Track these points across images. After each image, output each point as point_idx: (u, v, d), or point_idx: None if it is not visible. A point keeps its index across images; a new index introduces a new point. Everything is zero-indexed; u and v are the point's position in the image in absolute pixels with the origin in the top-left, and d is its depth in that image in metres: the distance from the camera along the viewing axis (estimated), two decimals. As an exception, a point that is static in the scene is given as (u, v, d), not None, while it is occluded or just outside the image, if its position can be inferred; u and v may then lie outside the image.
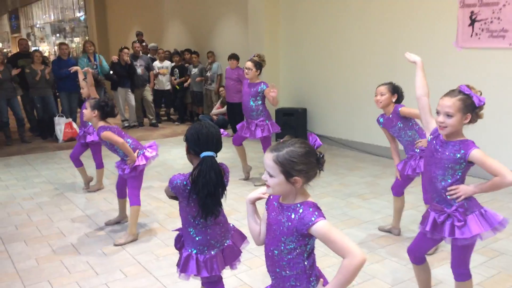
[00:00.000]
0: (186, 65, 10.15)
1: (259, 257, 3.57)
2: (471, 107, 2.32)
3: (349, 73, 7.18)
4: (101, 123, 3.97)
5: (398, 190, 3.89)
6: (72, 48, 18.55)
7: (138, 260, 3.62)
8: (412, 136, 3.63)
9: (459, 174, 2.39)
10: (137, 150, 3.97)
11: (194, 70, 9.78)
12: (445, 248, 3.65)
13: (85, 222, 4.47)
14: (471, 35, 5.51)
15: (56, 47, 16.81)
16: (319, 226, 1.65)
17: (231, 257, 2.46)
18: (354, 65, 7.08)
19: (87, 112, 3.98)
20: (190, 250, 2.38)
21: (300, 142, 1.70)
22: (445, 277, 3.13)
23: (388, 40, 6.50)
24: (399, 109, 3.60)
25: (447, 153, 2.37)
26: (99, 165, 5.36)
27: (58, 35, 21.61)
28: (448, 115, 2.31)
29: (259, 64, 5.35)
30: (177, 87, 9.95)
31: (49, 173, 6.27)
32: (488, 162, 2.29)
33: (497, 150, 5.35)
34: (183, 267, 2.38)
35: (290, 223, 1.71)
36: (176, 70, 10.06)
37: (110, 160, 6.78)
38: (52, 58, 15.09)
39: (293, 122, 7.68)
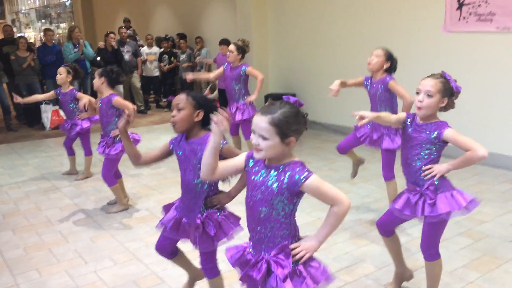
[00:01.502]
0: (175, 51, 10.05)
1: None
2: (449, 92, 2.44)
3: (338, 58, 7.16)
4: (111, 91, 4.18)
5: (344, 149, 4.07)
6: (58, 34, 18.27)
7: (128, 248, 3.62)
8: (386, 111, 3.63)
9: (434, 154, 2.46)
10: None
11: (182, 56, 9.70)
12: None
13: (74, 210, 4.44)
14: (459, 19, 5.51)
15: (41, 33, 16.53)
16: (311, 181, 1.71)
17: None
18: (343, 50, 7.06)
19: (96, 80, 4.17)
20: (218, 214, 2.37)
21: (288, 103, 1.75)
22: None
23: (377, 24, 6.48)
24: (389, 81, 3.59)
25: (422, 135, 2.45)
26: (88, 152, 5.33)
27: (43, 20, 21.23)
28: (428, 95, 2.41)
29: (241, 49, 5.32)
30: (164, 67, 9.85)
31: (36, 161, 6.21)
32: (460, 139, 2.36)
33: (484, 133, 5.40)
34: (221, 231, 2.35)
35: (280, 184, 1.74)
36: (165, 56, 9.96)
37: (93, 148, 6.73)
38: (38, 44, 14.84)
39: (282, 107, 7.66)
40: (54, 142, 7.27)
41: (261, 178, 1.79)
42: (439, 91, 2.40)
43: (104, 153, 4.18)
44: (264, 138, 1.71)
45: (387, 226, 2.76)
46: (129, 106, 4.08)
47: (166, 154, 2.45)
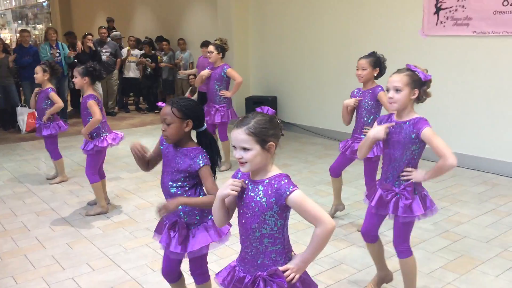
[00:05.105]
0: (157, 53, 9.97)
1: (229, 247, 3.56)
2: (418, 83, 2.46)
3: (319, 61, 7.20)
4: (91, 91, 4.19)
5: (336, 171, 3.99)
6: (34, 35, 17.93)
7: (106, 253, 3.56)
8: (371, 123, 3.64)
9: (416, 154, 2.50)
10: (101, 132, 4.23)
11: (164, 58, 9.67)
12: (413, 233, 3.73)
13: (50, 215, 4.35)
14: (436, 23, 5.61)
15: (18, 34, 16.20)
16: (295, 196, 1.73)
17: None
18: (323, 53, 7.11)
19: (78, 80, 4.17)
20: (207, 220, 2.38)
21: (259, 113, 1.82)
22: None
23: (356, 28, 6.54)
24: (379, 92, 3.60)
25: (403, 135, 2.48)
26: (57, 156, 5.24)
27: (20, 21, 20.83)
28: (397, 90, 2.45)
29: (220, 47, 5.37)
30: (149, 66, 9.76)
31: (11, 165, 6.07)
32: (435, 142, 2.39)
33: (460, 135, 5.50)
34: (194, 241, 2.33)
35: (267, 198, 1.76)
36: (148, 60, 9.89)
37: (76, 151, 6.62)
38: (14, 45, 14.51)
39: (263, 110, 7.66)
40: (29, 146, 7.12)
41: (249, 194, 1.81)
42: (407, 84, 2.43)
43: (82, 149, 4.23)
44: (246, 149, 1.74)
45: (371, 231, 2.78)
46: (96, 115, 4.07)
47: (161, 153, 2.48)
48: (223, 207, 1.88)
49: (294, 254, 1.89)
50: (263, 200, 1.77)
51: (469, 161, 5.42)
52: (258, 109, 1.85)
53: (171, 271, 2.51)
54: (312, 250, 1.77)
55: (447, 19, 5.51)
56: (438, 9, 5.57)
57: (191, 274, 2.52)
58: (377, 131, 2.51)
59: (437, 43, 5.64)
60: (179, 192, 2.32)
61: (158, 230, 2.51)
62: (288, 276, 1.78)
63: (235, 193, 1.79)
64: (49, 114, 4.99)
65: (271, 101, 7.80)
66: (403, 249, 2.63)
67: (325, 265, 3.29)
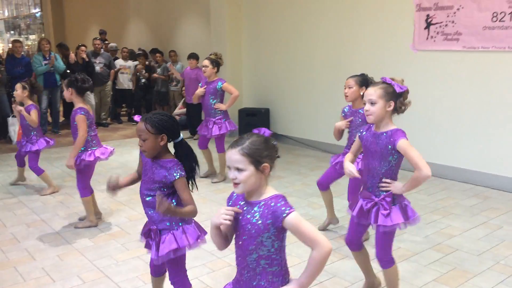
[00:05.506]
0: (153, 64, 10.00)
1: (221, 259, 3.55)
2: (393, 95, 2.52)
3: (312, 74, 7.25)
4: (81, 104, 4.05)
5: (323, 185, 4.02)
6: (27, 45, 17.91)
7: (97, 265, 3.52)
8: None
9: (394, 164, 2.55)
10: (90, 146, 4.15)
11: (158, 70, 9.70)
12: (402, 245, 3.75)
13: (41, 227, 4.30)
14: (427, 38, 5.69)
15: (10, 45, 16.16)
16: (291, 218, 1.71)
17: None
18: (316, 65, 7.17)
19: (65, 92, 4.09)
20: (177, 227, 2.45)
21: (254, 134, 1.81)
22: (404, 273, 3.20)
23: (349, 41, 6.61)
24: None
25: (380, 146, 2.53)
26: (38, 172, 5.20)
27: (12, 32, 20.80)
28: (372, 103, 2.51)
29: (215, 62, 5.38)
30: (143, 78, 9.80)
31: (1, 176, 6.01)
32: (410, 153, 2.44)
33: (451, 148, 5.54)
34: (187, 240, 2.41)
35: (264, 219, 1.74)
36: (143, 71, 9.91)
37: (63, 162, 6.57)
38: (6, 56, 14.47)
39: (256, 122, 7.67)
40: (21, 156, 7.05)
41: (245, 216, 1.79)
42: (381, 96, 2.49)
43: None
44: (240, 170, 1.74)
45: (354, 239, 2.83)
46: (81, 132, 3.96)
47: None
48: (219, 234, 1.87)
49: (291, 279, 1.86)
50: (259, 222, 1.74)
51: (460, 174, 5.46)
52: (255, 130, 1.84)
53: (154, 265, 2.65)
54: (309, 273, 1.74)
55: (437, 34, 5.59)
56: (428, 24, 5.65)
57: (170, 281, 2.55)
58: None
59: (427, 58, 5.71)
60: (153, 200, 2.36)
61: (143, 232, 2.62)
62: None
63: (228, 222, 1.77)
64: (23, 101, 4.99)
65: (264, 113, 7.83)
66: (387, 259, 2.66)
67: (318, 277, 3.28)
